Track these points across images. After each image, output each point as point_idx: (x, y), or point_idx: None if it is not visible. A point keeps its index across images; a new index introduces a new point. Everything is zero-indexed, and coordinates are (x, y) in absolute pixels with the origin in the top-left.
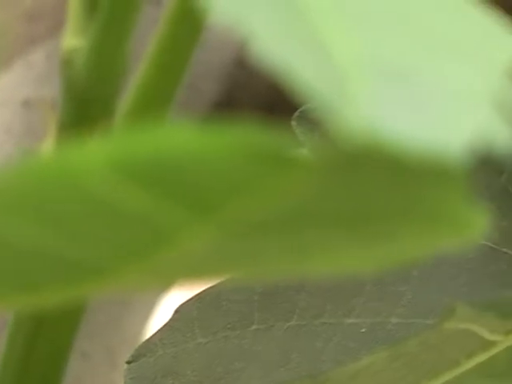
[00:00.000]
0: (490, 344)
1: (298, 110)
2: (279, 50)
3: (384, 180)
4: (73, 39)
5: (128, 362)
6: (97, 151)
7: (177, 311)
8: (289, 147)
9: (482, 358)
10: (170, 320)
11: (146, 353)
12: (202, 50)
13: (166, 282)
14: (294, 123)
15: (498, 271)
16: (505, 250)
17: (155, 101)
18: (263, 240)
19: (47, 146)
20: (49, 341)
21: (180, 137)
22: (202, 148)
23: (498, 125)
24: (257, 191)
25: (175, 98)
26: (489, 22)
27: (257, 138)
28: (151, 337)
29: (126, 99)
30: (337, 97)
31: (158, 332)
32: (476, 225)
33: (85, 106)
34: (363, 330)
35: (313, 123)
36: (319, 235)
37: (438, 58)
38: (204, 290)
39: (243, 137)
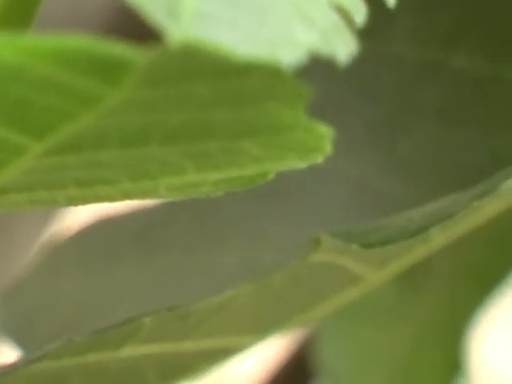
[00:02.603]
0: (360, 278)
1: None
2: None
3: (216, 92)
4: None
5: (2, 298)
6: None
7: (53, 247)
8: (118, 58)
9: (352, 292)
10: (46, 256)
11: (21, 289)
12: None
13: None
14: None
15: (372, 206)
16: (379, 184)
17: (9, 27)
18: (101, 156)
19: None
20: None
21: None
22: (26, 60)
23: (339, 32)
24: (87, 103)
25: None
26: None
27: (85, 49)
28: (27, 273)
29: None
30: (164, 9)
31: (33, 268)
32: (320, 141)
33: None
34: (235, 266)
35: None
36: (159, 153)
37: None
38: (79, 227)
39: (72, 47)
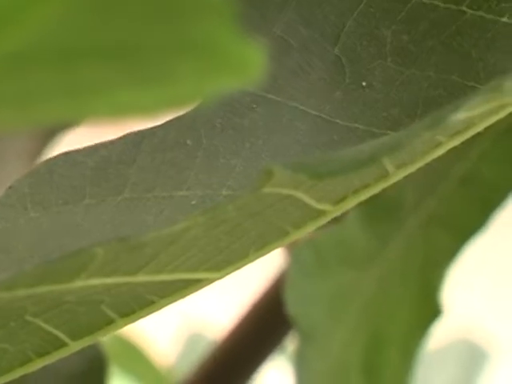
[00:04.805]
0: (319, 213)
1: None
2: None
3: (146, 9)
4: None
5: None
6: None
7: (10, 187)
8: None
9: (311, 227)
10: (2, 196)
11: None
12: None
13: None
14: None
15: (329, 142)
16: (337, 120)
17: None
18: (32, 76)
19: None
20: None
21: None
22: None
23: None
24: (15, 23)
25: None
26: None
27: None
28: None
29: None
30: None
31: None
32: (251, 63)
33: None
34: (193, 203)
35: None
36: (90, 72)
37: None
38: (36, 166)
39: None
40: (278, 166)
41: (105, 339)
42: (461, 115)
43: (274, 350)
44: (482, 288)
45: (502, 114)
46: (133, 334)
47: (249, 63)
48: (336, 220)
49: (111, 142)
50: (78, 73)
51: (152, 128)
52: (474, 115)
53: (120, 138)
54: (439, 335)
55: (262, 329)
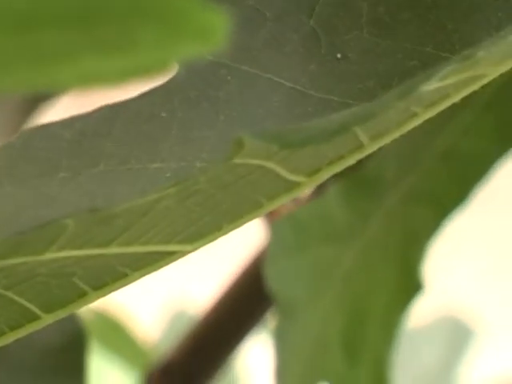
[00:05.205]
0: (293, 185)
1: None
2: None
3: None
4: None
5: None
6: None
7: None
8: None
9: (285, 199)
10: None
11: None
12: None
13: None
14: None
15: (304, 114)
16: (312, 92)
17: None
18: None
19: None
20: None
21: None
22: None
23: None
24: None
25: None
26: None
27: None
28: None
29: None
30: None
31: None
32: (214, 30)
33: None
34: (168, 175)
35: None
36: (53, 39)
37: None
38: (12, 138)
39: None
40: (249, 136)
41: (87, 316)
42: (433, 85)
43: (256, 326)
44: (467, 265)
45: (476, 85)
46: (116, 312)
47: (211, 30)
48: (315, 194)
49: (87, 115)
50: (40, 40)
51: (127, 100)
52: (448, 85)
53: (95, 111)
54: (424, 312)
55: (244, 305)
